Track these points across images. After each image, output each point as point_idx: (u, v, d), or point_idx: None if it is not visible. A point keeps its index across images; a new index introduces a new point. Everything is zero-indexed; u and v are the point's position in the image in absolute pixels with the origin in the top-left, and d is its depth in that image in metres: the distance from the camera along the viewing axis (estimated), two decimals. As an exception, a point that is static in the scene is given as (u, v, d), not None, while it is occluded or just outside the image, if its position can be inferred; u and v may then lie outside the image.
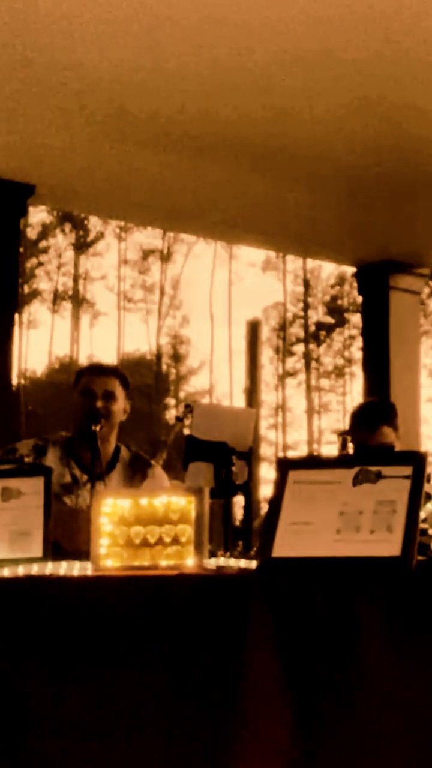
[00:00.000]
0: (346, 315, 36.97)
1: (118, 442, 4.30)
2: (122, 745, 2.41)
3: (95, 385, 4.23)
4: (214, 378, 38.62)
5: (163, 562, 2.62)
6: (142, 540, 2.65)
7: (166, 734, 2.36)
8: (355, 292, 11.09)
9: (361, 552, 2.34)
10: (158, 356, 37.61)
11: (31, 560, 2.87)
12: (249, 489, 3.51)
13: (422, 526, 2.45)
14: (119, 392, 4.25)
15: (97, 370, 4.48)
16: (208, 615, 2.36)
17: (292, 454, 35.01)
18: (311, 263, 35.49)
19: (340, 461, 2.60)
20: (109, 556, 2.67)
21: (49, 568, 2.82)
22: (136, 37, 5.64)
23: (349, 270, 9.87)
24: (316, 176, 7.37)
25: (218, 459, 3.49)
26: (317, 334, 38.19)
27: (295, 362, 38.33)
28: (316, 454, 27.81)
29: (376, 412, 5.32)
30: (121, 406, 4.25)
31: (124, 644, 2.45)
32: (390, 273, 9.10)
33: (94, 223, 35.91)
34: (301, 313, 38.41)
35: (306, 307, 38.35)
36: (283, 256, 33.38)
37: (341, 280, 36.19)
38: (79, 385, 4.28)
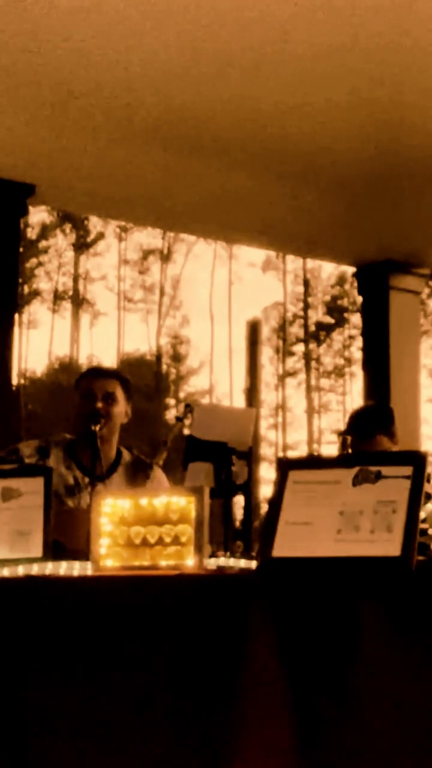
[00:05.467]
0: (346, 315, 36.98)
1: (119, 445, 4.30)
2: (122, 745, 2.41)
3: (95, 387, 4.24)
4: (214, 378, 38.65)
5: (163, 562, 2.62)
6: (142, 540, 2.65)
7: (166, 734, 2.36)
8: (355, 292, 11.08)
9: (361, 552, 2.34)
10: (158, 356, 37.61)
11: (31, 560, 2.87)
12: (249, 489, 3.51)
13: (422, 526, 2.45)
14: (120, 394, 4.26)
15: (97, 372, 4.49)
16: (208, 615, 2.36)
17: (292, 454, 35.02)
18: (311, 263, 35.52)
19: (340, 461, 2.60)
20: (109, 556, 2.67)
21: (49, 568, 2.82)
22: (136, 36, 5.64)
23: (349, 270, 9.87)
24: (316, 176, 7.37)
25: (218, 459, 3.49)
26: (317, 334, 38.19)
27: (295, 362, 38.36)
28: (316, 454, 27.81)
29: (372, 420, 5.27)
30: (121, 408, 4.25)
31: (124, 644, 2.45)
32: (390, 273, 9.10)
33: (94, 223, 35.94)
34: (301, 313, 38.42)
35: (306, 307, 38.36)
36: (283, 256, 33.39)
37: (341, 280, 36.20)
38: (80, 388, 4.29)
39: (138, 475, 4.26)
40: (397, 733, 2.21)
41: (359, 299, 10.04)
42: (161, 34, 5.61)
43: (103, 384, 4.26)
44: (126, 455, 4.30)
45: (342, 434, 5.02)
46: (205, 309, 39.52)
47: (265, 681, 2.26)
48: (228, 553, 3.23)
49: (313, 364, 38.31)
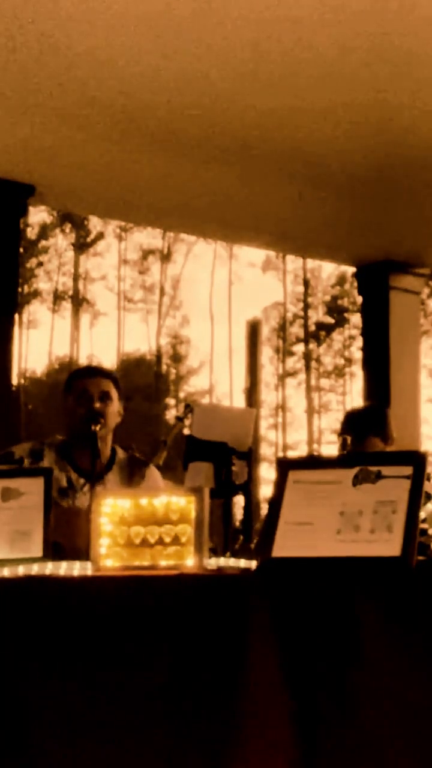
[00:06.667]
0: (346, 315, 36.99)
1: (113, 443, 4.30)
2: (122, 745, 2.41)
3: (91, 387, 4.22)
4: (214, 378, 38.66)
5: (163, 562, 2.62)
6: (142, 540, 2.65)
7: (167, 734, 2.36)
8: (355, 292, 11.07)
9: (361, 552, 2.34)
10: (158, 356, 37.62)
11: (31, 560, 2.87)
12: (249, 489, 3.51)
13: (422, 526, 2.45)
14: (114, 394, 4.25)
15: (91, 372, 4.47)
16: (208, 615, 2.36)
17: (292, 454, 35.03)
18: (311, 263, 35.53)
19: (340, 461, 2.60)
20: (109, 556, 2.67)
21: (49, 568, 2.82)
22: (137, 36, 5.64)
23: (349, 270, 9.87)
24: (316, 176, 7.37)
25: (218, 459, 3.49)
26: (317, 334, 38.20)
27: (295, 362, 38.36)
28: (316, 454, 27.81)
29: (364, 422, 5.25)
30: (116, 408, 4.25)
31: (124, 644, 2.45)
32: (390, 273, 9.09)
33: (94, 223, 35.95)
34: (301, 313, 38.43)
35: (306, 307, 38.37)
36: (283, 256, 33.39)
37: (341, 280, 36.21)
38: (74, 389, 4.26)
39: (134, 474, 4.25)
40: (397, 733, 2.21)
41: (359, 299, 10.04)
42: (161, 35, 5.61)
43: (98, 384, 4.24)
44: (120, 453, 4.30)
45: (341, 434, 5.02)
46: (205, 309, 39.55)
47: (265, 681, 2.26)
48: (228, 553, 3.24)
49: (313, 364, 38.32)
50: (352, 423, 5.29)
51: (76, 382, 4.30)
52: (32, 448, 4.23)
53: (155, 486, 4.15)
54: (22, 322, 35.00)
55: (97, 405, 4.17)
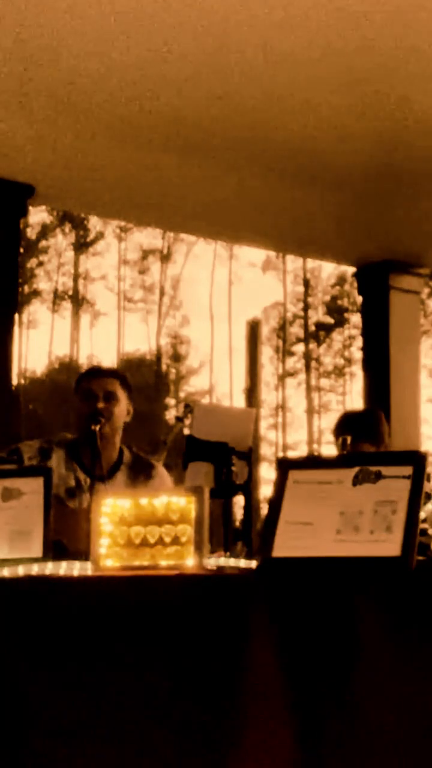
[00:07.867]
0: (346, 315, 36.99)
1: (121, 444, 4.30)
2: (122, 745, 2.41)
3: (96, 387, 4.24)
4: (214, 378, 38.65)
5: (163, 562, 2.62)
6: (142, 540, 2.65)
7: (167, 734, 2.36)
8: (355, 292, 11.07)
9: (361, 552, 2.34)
10: (158, 356, 37.62)
11: (31, 560, 2.87)
12: (249, 489, 3.51)
13: (422, 526, 2.45)
14: (120, 393, 4.26)
15: (97, 372, 4.50)
16: (208, 615, 2.36)
17: (292, 454, 35.01)
18: (311, 263, 35.53)
19: (340, 461, 2.60)
20: (109, 556, 2.67)
21: (49, 568, 2.82)
22: (137, 37, 5.64)
23: (349, 270, 9.87)
24: (316, 176, 7.37)
25: (218, 459, 3.49)
26: (317, 334, 38.20)
27: (295, 362, 38.36)
28: (316, 454, 27.80)
29: (353, 428, 5.24)
30: (123, 407, 4.25)
31: (124, 644, 2.45)
32: (390, 273, 9.08)
33: (94, 223, 35.96)
34: (301, 313, 38.42)
35: (306, 307, 38.37)
36: (283, 256, 33.39)
37: (341, 280, 36.21)
38: (80, 389, 4.29)
39: (140, 474, 4.25)
40: (397, 733, 2.21)
41: (359, 299, 10.03)
42: (161, 35, 5.61)
43: (103, 383, 4.26)
44: (127, 454, 4.30)
45: (341, 434, 5.01)
46: (205, 309, 39.55)
47: (266, 681, 2.26)
48: (228, 553, 3.24)
49: (313, 364, 38.32)
50: (342, 428, 5.28)
51: (82, 382, 4.33)
52: (41, 447, 4.24)
53: (164, 485, 4.16)
54: (22, 322, 35.02)
55: (101, 405, 4.18)
